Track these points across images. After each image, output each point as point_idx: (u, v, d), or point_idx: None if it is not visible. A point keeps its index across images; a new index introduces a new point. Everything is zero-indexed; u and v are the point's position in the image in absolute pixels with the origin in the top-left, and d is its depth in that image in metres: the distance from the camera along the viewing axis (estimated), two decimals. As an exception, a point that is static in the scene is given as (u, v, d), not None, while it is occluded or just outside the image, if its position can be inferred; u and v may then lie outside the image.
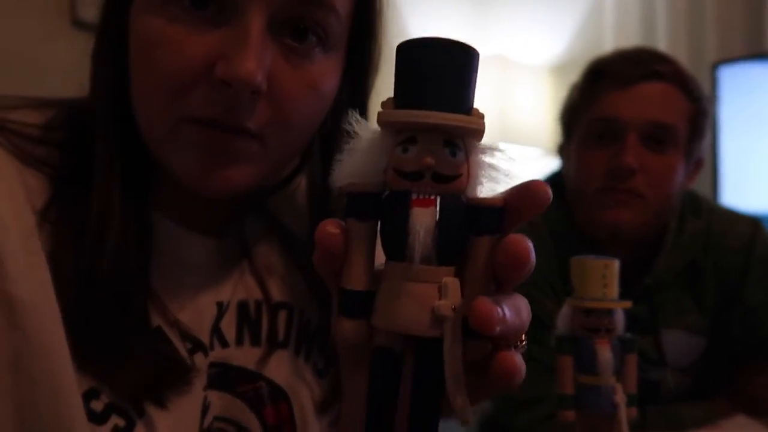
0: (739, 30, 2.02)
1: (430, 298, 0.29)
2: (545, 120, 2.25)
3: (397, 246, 0.29)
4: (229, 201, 0.57)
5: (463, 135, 0.29)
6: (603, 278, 0.52)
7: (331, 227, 0.30)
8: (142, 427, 0.51)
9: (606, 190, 1.10)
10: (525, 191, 0.30)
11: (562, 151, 1.23)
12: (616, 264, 0.53)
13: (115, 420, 0.50)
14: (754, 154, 1.71)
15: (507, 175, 0.30)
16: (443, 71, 0.28)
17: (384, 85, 0.58)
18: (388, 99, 0.30)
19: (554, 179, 1.24)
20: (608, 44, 2.23)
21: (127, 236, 0.52)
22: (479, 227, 0.30)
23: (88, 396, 0.50)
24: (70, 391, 0.49)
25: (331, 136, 0.60)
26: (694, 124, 1.12)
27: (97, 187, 0.52)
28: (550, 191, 0.31)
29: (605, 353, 0.52)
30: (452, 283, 0.29)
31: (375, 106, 0.59)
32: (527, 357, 1.24)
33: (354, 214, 0.30)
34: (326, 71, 0.53)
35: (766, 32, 1.97)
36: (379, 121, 0.29)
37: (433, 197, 0.29)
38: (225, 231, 0.61)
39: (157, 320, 0.54)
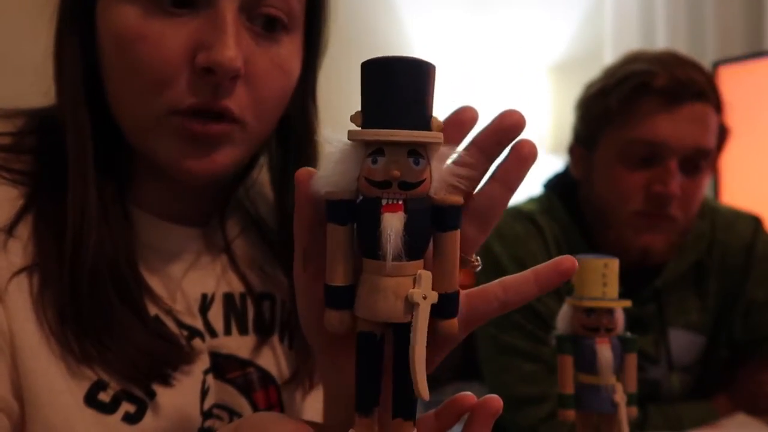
0: (739, 30, 2.02)
1: (404, 289, 0.33)
2: (545, 120, 2.25)
3: (372, 247, 0.33)
4: (207, 193, 0.59)
5: (425, 144, 0.33)
6: (603, 277, 0.52)
7: (305, 171, 0.35)
8: (151, 411, 0.53)
9: (643, 213, 1.07)
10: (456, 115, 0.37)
11: (574, 153, 1.18)
12: (615, 263, 0.53)
13: (126, 407, 0.52)
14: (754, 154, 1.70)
15: (466, 176, 0.35)
16: (406, 89, 0.32)
17: (332, 68, 0.63)
18: (357, 113, 0.33)
19: (558, 181, 1.21)
20: (608, 44, 2.23)
21: (106, 232, 0.53)
22: (444, 224, 0.34)
23: (96, 388, 0.51)
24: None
25: (287, 119, 0.60)
26: (720, 138, 1.11)
27: (71, 186, 0.52)
28: (477, 113, 0.38)
29: (605, 352, 0.52)
30: (425, 274, 0.33)
31: (320, 86, 0.62)
32: (530, 357, 1.23)
33: (333, 218, 0.34)
34: (292, 52, 0.56)
35: (765, 32, 1.97)
36: (350, 138, 0.33)
37: (400, 202, 0.32)
38: (206, 223, 0.63)
39: (153, 309, 0.56)
